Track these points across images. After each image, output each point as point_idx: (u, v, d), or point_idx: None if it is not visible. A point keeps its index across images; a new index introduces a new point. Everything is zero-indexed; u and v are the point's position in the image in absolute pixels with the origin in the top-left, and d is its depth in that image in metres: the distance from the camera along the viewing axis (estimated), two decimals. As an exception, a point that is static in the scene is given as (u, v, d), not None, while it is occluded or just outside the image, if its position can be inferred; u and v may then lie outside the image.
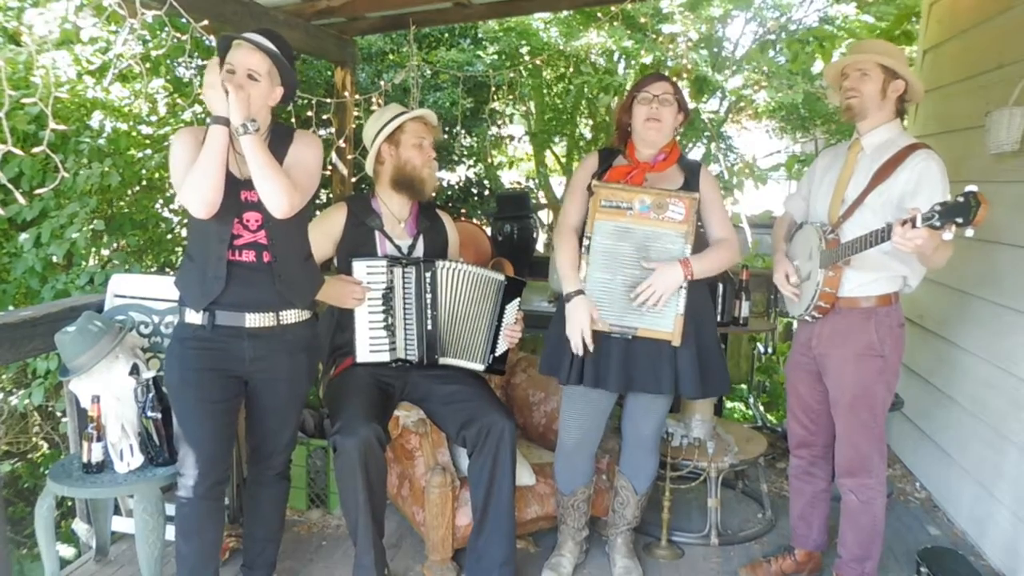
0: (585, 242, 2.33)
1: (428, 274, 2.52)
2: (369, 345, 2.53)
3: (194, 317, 2.15)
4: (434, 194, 2.73)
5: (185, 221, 3.61)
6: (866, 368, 2.32)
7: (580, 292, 2.32)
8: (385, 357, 2.54)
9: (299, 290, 2.24)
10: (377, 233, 2.62)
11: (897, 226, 1.97)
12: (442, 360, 2.57)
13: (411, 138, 2.60)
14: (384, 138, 2.61)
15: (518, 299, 2.64)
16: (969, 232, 1.86)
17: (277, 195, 2.02)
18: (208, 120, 1.99)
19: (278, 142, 2.15)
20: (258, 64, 2.06)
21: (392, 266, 2.53)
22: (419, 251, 2.65)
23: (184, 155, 2.04)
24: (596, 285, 2.34)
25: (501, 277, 2.61)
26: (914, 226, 1.93)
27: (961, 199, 1.85)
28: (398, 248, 2.62)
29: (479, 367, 2.63)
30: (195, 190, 1.98)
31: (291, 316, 2.23)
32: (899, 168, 2.24)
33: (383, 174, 2.66)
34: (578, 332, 2.30)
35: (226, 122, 1.97)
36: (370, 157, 2.67)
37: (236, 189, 2.08)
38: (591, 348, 2.31)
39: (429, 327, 2.54)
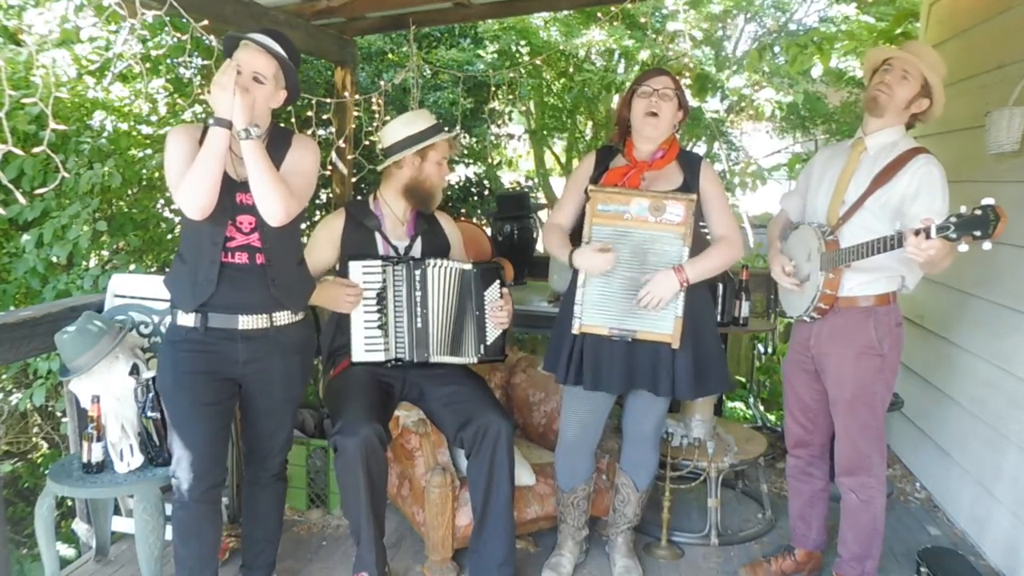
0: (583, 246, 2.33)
1: (418, 272, 2.54)
2: (364, 345, 2.54)
3: (186, 319, 2.14)
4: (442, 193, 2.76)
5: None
6: (865, 367, 2.33)
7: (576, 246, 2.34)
8: (380, 357, 2.55)
9: (293, 293, 2.23)
10: (376, 234, 2.63)
11: (911, 236, 1.96)
12: (433, 359, 2.57)
13: (437, 155, 2.63)
14: (417, 150, 2.60)
15: (497, 282, 2.65)
16: (987, 245, 1.86)
17: (274, 203, 2.01)
18: (210, 121, 1.97)
19: (276, 145, 2.14)
20: (264, 67, 2.05)
21: (386, 266, 2.54)
22: (416, 251, 2.65)
23: (180, 154, 2.03)
24: (595, 289, 2.34)
25: (469, 266, 2.61)
26: (928, 236, 1.92)
27: (979, 212, 1.85)
28: (395, 249, 2.63)
29: (473, 360, 2.63)
30: (192, 192, 1.97)
31: (284, 317, 2.22)
32: (900, 172, 2.24)
33: (396, 178, 2.65)
34: (603, 263, 2.29)
35: (228, 125, 1.96)
36: (390, 159, 2.64)
37: (231, 191, 2.07)
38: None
39: (419, 325, 2.54)
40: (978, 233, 1.86)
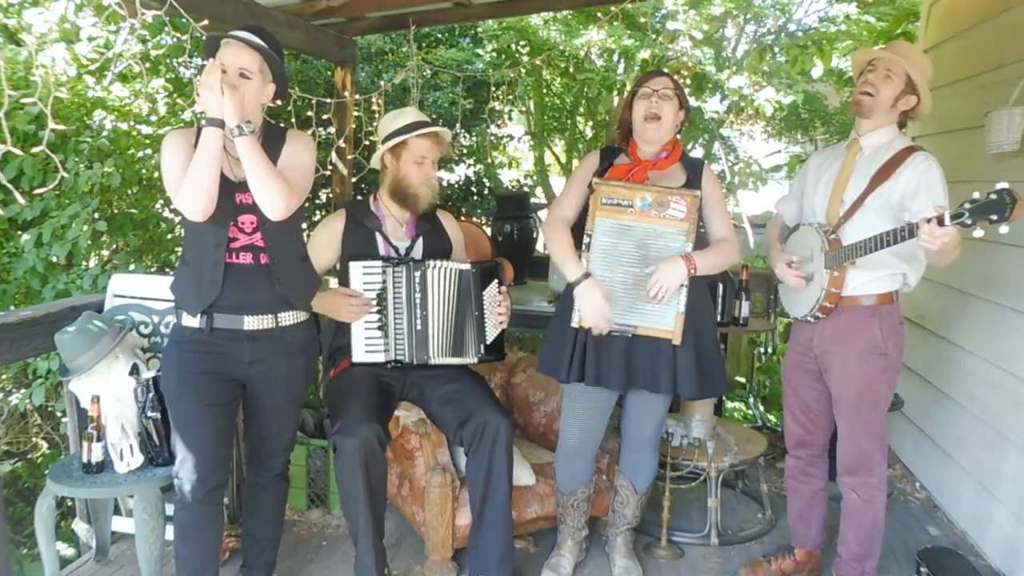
0: (585, 239, 2.32)
1: (418, 274, 2.53)
2: (364, 346, 2.54)
3: (192, 320, 2.14)
4: (434, 196, 2.67)
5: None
6: (870, 366, 2.33)
7: (587, 275, 2.29)
8: (380, 358, 2.55)
9: (298, 291, 2.24)
10: (377, 235, 2.62)
11: (924, 224, 1.95)
12: (434, 360, 2.56)
13: (412, 155, 2.58)
14: (388, 148, 2.61)
15: (495, 281, 2.64)
16: (1004, 229, 1.85)
17: (273, 198, 2.01)
18: (202, 122, 1.97)
19: (271, 142, 2.13)
20: (249, 61, 2.05)
21: (386, 267, 2.53)
22: (417, 252, 2.65)
23: (176, 159, 2.03)
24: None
25: (468, 266, 2.60)
26: (941, 224, 1.92)
27: (995, 196, 1.85)
28: (396, 249, 2.63)
29: (473, 360, 2.63)
30: (190, 194, 1.97)
31: (289, 318, 2.22)
32: (899, 169, 2.25)
33: (385, 178, 2.66)
34: (598, 315, 2.27)
35: (221, 124, 1.96)
36: (375, 157, 2.68)
37: (230, 192, 2.07)
38: (613, 325, 2.29)
39: (419, 327, 2.54)
40: (995, 217, 1.85)
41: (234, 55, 2.04)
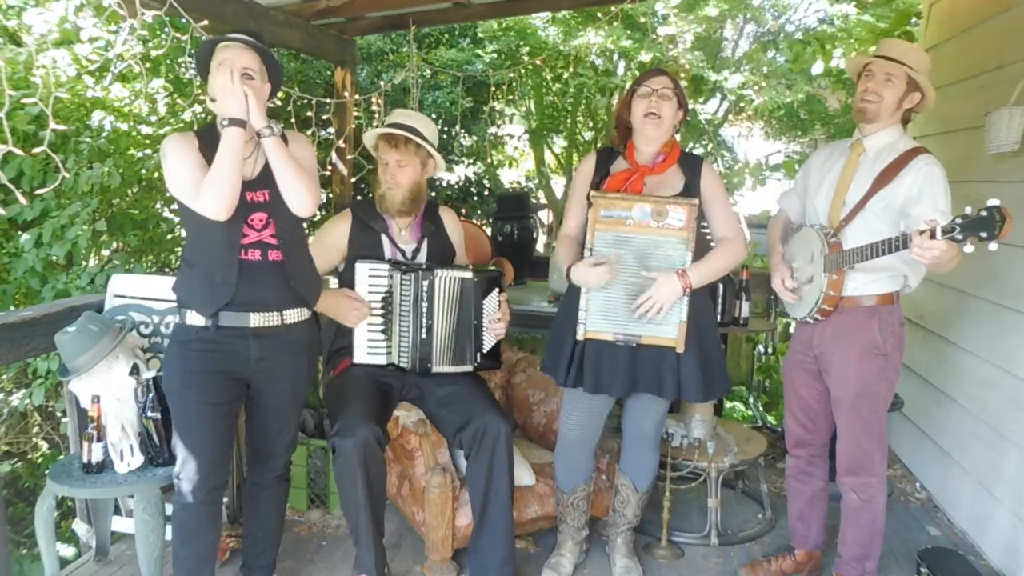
0: (586, 253, 2.32)
1: (426, 283, 2.51)
2: (367, 347, 2.54)
3: (196, 319, 2.13)
4: (402, 203, 2.59)
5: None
6: (869, 367, 2.32)
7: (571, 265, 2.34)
8: (382, 360, 2.55)
9: (310, 287, 2.25)
10: (383, 236, 2.62)
11: (916, 236, 1.96)
12: (435, 369, 2.56)
13: (380, 156, 2.60)
14: (371, 147, 2.64)
15: (496, 290, 2.64)
16: (993, 246, 1.85)
17: (303, 192, 2.04)
18: (223, 123, 1.98)
19: None
20: (251, 61, 2.06)
21: (393, 271, 2.52)
22: (423, 255, 2.64)
23: (187, 163, 2.03)
24: (598, 295, 2.33)
25: (470, 275, 2.58)
26: (932, 237, 1.93)
27: (985, 213, 1.85)
28: (402, 252, 2.62)
29: (468, 369, 2.63)
30: (217, 194, 1.97)
31: (294, 315, 2.22)
32: (902, 173, 2.24)
33: None
34: (597, 278, 2.27)
35: (243, 124, 1.97)
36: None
37: (243, 191, 2.07)
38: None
39: (423, 336, 2.52)
40: (984, 234, 1.85)
41: (236, 56, 2.05)
